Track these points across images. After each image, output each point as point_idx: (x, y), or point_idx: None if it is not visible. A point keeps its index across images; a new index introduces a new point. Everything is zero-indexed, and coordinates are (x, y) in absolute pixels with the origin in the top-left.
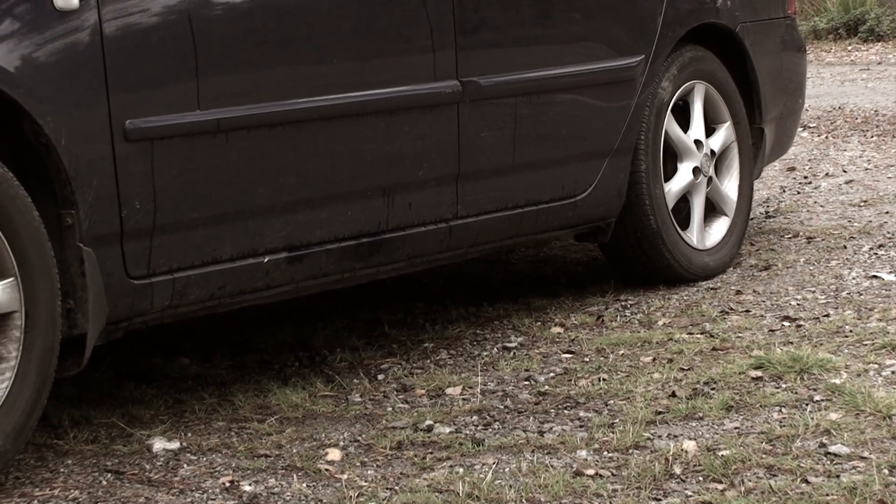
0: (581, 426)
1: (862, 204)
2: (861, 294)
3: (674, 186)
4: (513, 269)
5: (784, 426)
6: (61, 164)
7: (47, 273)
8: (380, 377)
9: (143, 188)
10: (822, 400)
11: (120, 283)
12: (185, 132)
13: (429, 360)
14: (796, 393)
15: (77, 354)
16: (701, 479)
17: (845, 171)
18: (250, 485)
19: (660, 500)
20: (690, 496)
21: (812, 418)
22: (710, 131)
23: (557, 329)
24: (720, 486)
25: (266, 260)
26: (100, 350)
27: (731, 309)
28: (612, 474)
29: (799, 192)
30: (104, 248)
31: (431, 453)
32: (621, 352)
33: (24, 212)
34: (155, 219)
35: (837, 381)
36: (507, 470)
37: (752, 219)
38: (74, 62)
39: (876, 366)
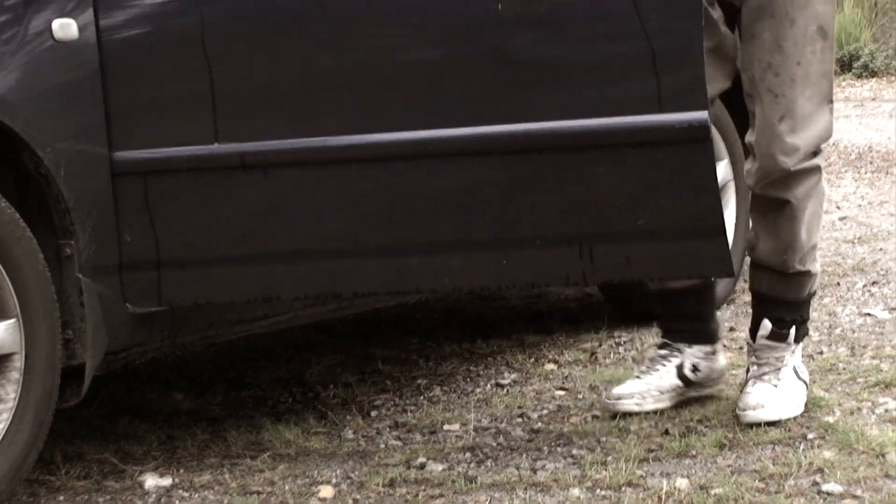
0: (574, 463)
1: (856, 241)
2: (854, 331)
3: None
4: (506, 306)
5: (777, 464)
6: (61, 195)
7: (49, 315)
8: (373, 414)
9: (143, 220)
10: (816, 438)
11: (119, 313)
12: (185, 166)
13: (422, 397)
14: (789, 431)
15: (75, 385)
16: None
17: (839, 208)
18: None
19: None
20: None
21: (805, 456)
22: None
23: (551, 366)
24: None
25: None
26: (95, 384)
27: (725, 346)
28: None
29: None
30: (103, 278)
31: (424, 490)
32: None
33: (28, 253)
34: (156, 251)
35: (830, 420)
36: None
37: (746, 255)
38: (74, 93)
39: (869, 403)
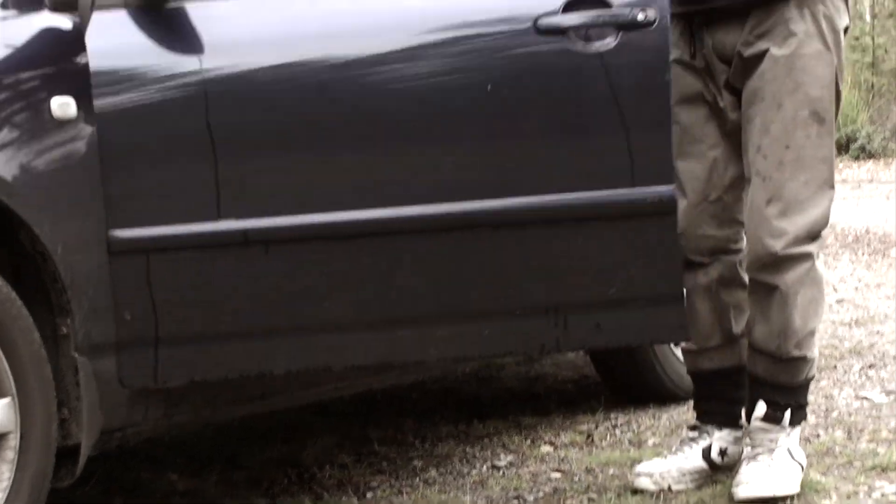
0: None
1: (853, 323)
2: (851, 415)
3: None
4: (503, 386)
5: None
6: (57, 274)
7: (45, 395)
8: (369, 495)
9: (141, 299)
10: None
11: (115, 392)
12: (187, 243)
13: (418, 479)
14: None
15: (70, 465)
16: None
17: (836, 290)
18: None
19: None
20: None
21: None
22: None
23: (547, 448)
24: None
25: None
26: (90, 462)
27: None
28: None
29: None
30: (99, 357)
31: None
32: (611, 471)
33: (25, 332)
34: (154, 330)
35: (828, 503)
36: None
37: None
38: (72, 171)
39: (866, 487)
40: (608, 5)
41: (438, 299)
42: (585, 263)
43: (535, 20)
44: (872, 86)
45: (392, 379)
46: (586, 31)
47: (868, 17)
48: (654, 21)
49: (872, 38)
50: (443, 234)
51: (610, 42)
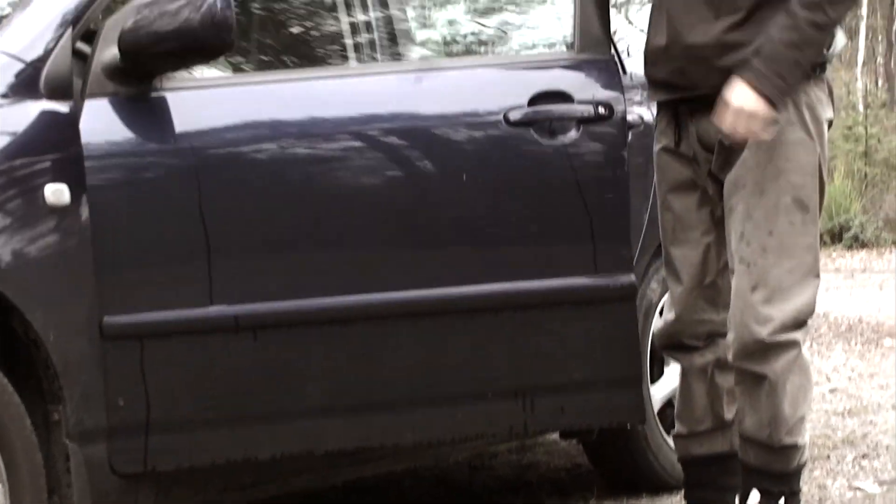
0: None
1: (846, 413)
2: None
3: (660, 390)
4: (495, 475)
5: None
6: (50, 360)
7: (35, 482)
8: None
9: (134, 386)
10: None
11: (106, 478)
12: (179, 329)
13: None
14: None
15: None
16: None
17: (829, 380)
18: None
19: None
20: None
21: None
22: None
23: None
24: None
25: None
26: None
27: None
28: None
29: None
30: (91, 443)
31: None
32: None
33: (16, 419)
34: (146, 417)
35: None
36: None
37: None
38: (65, 258)
39: None
40: (570, 100)
41: (414, 384)
42: (551, 348)
43: (506, 113)
44: (865, 175)
45: (384, 467)
46: (550, 124)
47: (861, 107)
48: (613, 115)
49: (865, 128)
50: (418, 319)
51: (572, 135)
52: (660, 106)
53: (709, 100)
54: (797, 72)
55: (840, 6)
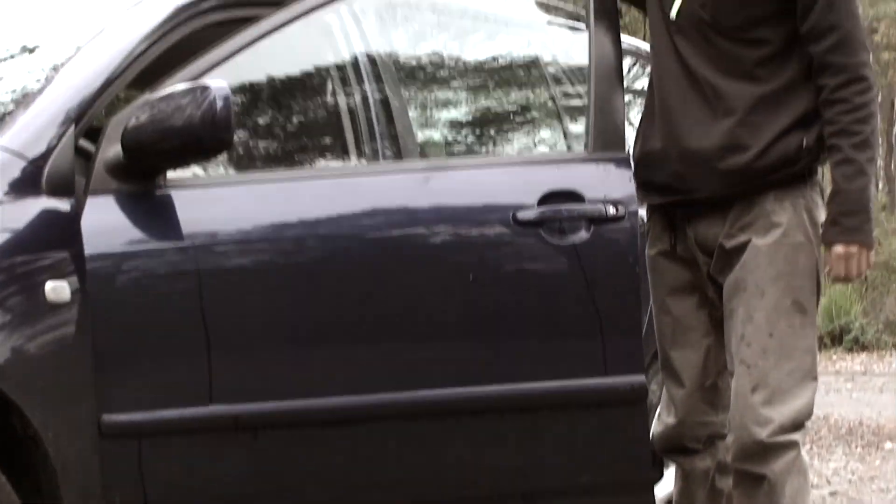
0: None
1: None
2: None
3: (660, 491)
4: None
5: None
6: (48, 458)
7: None
8: None
9: (132, 485)
10: None
11: None
12: (178, 428)
13: None
14: None
15: None
16: None
17: (829, 483)
18: None
19: None
20: None
21: None
22: None
23: None
24: None
25: None
26: None
27: None
28: None
29: None
30: None
31: None
32: None
33: None
34: None
35: None
36: None
37: None
38: (64, 355)
39: None
40: (581, 199)
41: (417, 486)
42: (559, 450)
43: (514, 213)
44: (866, 278)
45: None
46: (560, 224)
47: None
48: (624, 215)
49: None
50: (423, 420)
51: (583, 235)
52: (653, 209)
53: (706, 203)
54: (872, 205)
55: (877, 132)
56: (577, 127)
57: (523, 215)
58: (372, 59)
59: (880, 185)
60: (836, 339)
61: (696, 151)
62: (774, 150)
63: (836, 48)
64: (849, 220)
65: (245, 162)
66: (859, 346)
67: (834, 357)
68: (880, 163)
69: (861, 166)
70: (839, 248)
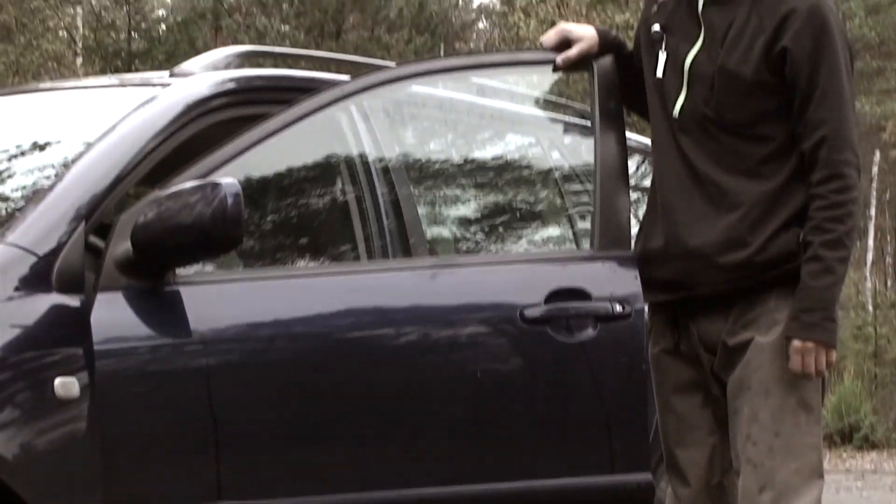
0: None
1: None
2: None
3: None
4: None
5: None
6: None
7: None
8: None
9: None
10: None
11: None
12: None
13: None
14: None
15: None
16: None
17: None
18: None
19: None
20: None
21: None
22: None
23: None
24: None
25: None
26: None
27: None
28: None
29: None
30: None
31: None
32: None
33: None
34: None
35: None
36: None
37: None
38: (72, 451)
39: None
40: (588, 297)
41: None
42: None
43: (521, 310)
44: (875, 376)
45: None
46: (567, 322)
47: (870, 308)
48: (631, 313)
49: (875, 329)
50: None
51: (590, 332)
52: (656, 307)
53: (708, 299)
54: (838, 304)
55: (853, 232)
56: (585, 224)
57: (530, 313)
58: (381, 156)
59: (888, 283)
60: (846, 437)
61: (698, 248)
62: (774, 246)
63: (822, 144)
64: (808, 316)
65: (254, 259)
66: (869, 444)
67: (844, 455)
68: (889, 259)
69: (828, 265)
70: (796, 343)
